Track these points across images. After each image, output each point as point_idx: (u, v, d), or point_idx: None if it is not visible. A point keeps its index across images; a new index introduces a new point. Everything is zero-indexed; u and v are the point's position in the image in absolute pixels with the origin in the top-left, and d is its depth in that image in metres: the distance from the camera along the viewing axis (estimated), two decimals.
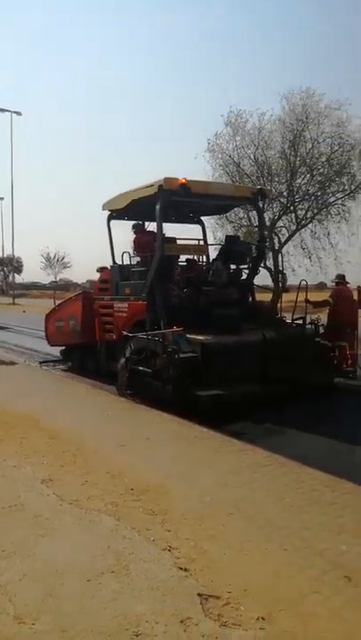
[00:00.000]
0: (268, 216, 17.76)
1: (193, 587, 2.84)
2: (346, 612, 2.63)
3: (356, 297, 9.80)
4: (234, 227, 18.43)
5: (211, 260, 9.96)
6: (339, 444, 5.84)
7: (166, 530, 3.52)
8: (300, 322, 8.48)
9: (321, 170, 17.44)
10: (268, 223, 17.47)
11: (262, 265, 16.43)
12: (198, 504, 3.94)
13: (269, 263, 17.84)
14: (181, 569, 3.02)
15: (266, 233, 16.40)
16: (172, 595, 2.75)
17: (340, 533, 3.46)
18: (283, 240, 18.20)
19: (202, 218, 11.02)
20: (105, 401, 7.77)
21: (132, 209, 8.98)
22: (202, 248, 10.03)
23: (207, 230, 11.64)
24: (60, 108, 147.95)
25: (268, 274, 17.72)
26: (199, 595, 2.75)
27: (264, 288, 11.40)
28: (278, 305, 9.49)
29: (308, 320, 8.47)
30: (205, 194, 8.39)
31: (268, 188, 15.77)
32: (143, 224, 9.84)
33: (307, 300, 8.83)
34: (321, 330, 8.80)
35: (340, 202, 17.78)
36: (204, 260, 10.07)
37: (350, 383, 9.14)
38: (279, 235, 18.40)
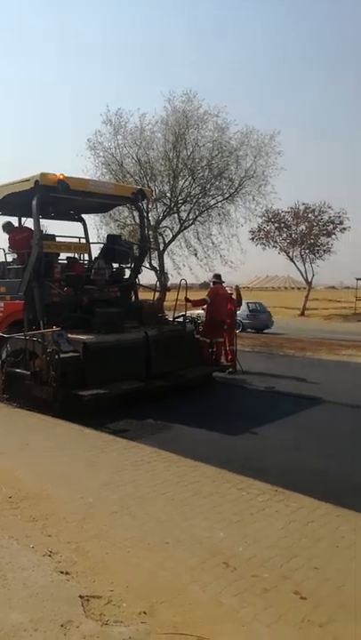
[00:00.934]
0: (152, 216, 17.95)
1: (74, 590, 2.78)
2: (224, 597, 2.73)
3: (234, 296, 10.32)
4: (119, 225, 18.38)
5: (93, 258, 9.84)
6: (220, 435, 6.08)
7: (47, 535, 3.42)
8: (181, 320, 8.71)
9: (202, 173, 17.97)
10: (152, 223, 17.62)
11: (147, 265, 16.63)
12: (81, 506, 3.87)
13: (155, 262, 18.02)
14: (62, 573, 2.95)
15: (150, 233, 16.54)
16: (52, 600, 2.67)
17: (219, 522, 3.60)
18: (167, 240, 18.47)
19: (83, 216, 10.85)
20: None
21: (7, 203, 8.58)
22: (83, 246, 9.86)
23: (92, 228, 11.48)
24: None
25: (153, 273, 17.91)
26: (80, 597, 2.71)
27: (147, 287, 11.49)
28: (161, 303, 9.65)
29: (188, 318, 8.73)
30: (84, 191, 8.25)
31: (151, 188, 15.93)
32: (20, 220, 9.46)
33: (186, 299, 9.10)
34: (200, 327, 9.15)
35: (220, 204, 18.48)
36: (86, 258, 9.91)
37: (228, 377, 9.62)
38: (164, 235, 18.65)
